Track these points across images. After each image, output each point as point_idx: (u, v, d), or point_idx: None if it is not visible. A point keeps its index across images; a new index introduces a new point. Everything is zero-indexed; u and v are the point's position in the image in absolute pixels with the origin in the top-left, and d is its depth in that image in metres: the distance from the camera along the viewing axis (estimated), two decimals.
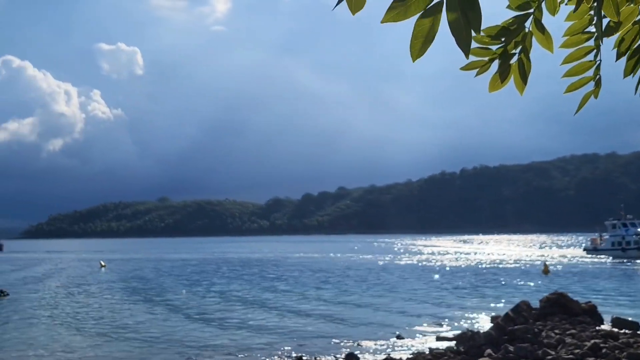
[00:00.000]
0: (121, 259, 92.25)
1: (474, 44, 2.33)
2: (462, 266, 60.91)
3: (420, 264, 64.94)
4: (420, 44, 2.18)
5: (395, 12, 2.10)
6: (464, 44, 2.11)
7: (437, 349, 18.91)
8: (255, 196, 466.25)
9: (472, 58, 2.62)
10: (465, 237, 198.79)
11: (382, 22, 2.13)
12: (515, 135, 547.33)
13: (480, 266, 60.49)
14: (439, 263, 66.11)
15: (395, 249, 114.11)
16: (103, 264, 73.17)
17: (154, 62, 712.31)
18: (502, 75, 2.74)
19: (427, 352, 18.49)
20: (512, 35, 2.68)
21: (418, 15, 2.11)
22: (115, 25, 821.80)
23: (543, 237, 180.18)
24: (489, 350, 16.74)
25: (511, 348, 16.21)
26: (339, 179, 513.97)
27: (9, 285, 45.61)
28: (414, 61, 2.26)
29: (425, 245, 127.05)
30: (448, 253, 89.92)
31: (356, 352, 18.95)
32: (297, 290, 39.81)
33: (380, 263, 68.26)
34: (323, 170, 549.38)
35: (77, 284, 48.37)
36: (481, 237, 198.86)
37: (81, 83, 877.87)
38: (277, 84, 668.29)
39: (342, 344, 21.37)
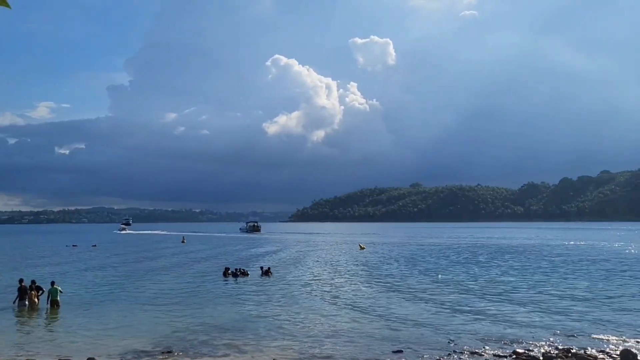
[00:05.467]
0: (378, 242, 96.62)
1: None
2: None
3: None
4: None
5: None
6: None
7: None
8: (508, 182, 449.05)
9: None
10: None
11: None
12: None
13: None
14: None
15: None
16: (362, 246, 77.52)
17: (406, 52, 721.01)
18: None
19: None
20: None
21: None
22: (369, 20, 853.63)
23: None
24: None
25: None
26: (601, 163, 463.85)
27: (272, 264, 50.61)
28: None
29: None
30: None
31: (632, 350, 17.43)
32: (556, 280, 37.67)
33: None
34: (583, 153, 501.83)
35: (337, 265, 51.97)
36: None
37: (339, 76, 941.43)
38: (535, 65, 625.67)
39: (610, 339, 19.75)
